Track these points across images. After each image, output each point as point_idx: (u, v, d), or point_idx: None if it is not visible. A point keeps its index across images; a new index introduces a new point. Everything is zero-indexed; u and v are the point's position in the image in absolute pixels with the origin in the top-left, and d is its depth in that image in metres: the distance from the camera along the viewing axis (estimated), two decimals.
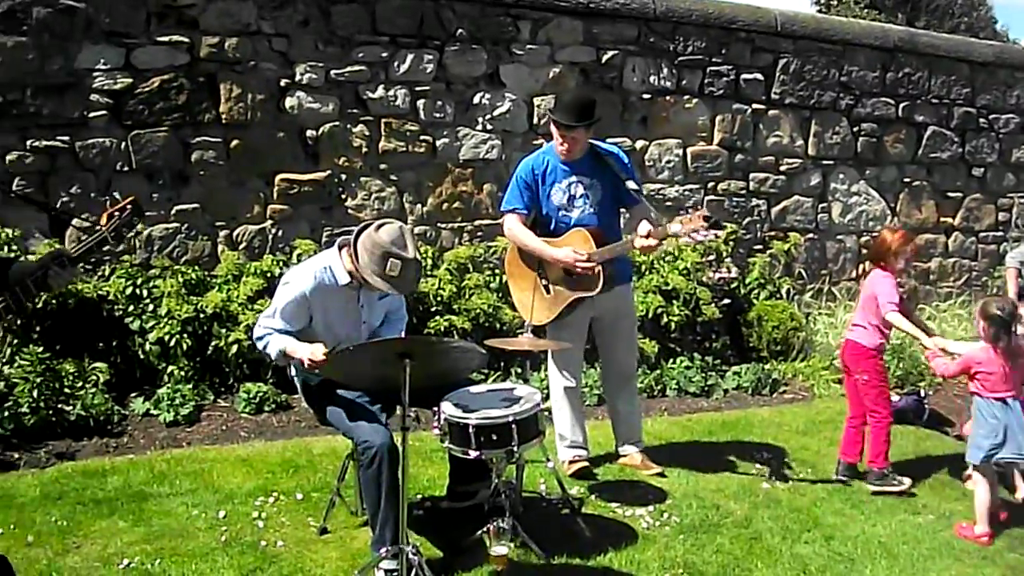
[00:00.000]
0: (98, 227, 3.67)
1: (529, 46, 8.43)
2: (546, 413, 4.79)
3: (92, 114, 7.55)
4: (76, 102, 7.53)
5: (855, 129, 9.74)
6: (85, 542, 4.99)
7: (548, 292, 5.66)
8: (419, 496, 5.48)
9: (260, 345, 4.71)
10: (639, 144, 8.81)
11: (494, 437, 4.40)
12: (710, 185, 9.12)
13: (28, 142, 7.44)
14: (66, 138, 7.52)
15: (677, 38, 8.83)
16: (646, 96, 8.82)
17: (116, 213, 3.67)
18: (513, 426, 4.40)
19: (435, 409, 4.61)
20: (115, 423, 6.80)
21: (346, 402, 4.67)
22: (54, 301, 7.10)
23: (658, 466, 5.90)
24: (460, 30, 8.24)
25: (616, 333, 5.87)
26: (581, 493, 5.59)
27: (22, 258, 6.80)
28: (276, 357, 4.69)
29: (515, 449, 4.41)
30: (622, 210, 5.75)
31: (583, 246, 5.46)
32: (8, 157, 7.40)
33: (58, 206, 7.48)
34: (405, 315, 5.17)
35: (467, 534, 4.73)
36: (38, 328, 7.01)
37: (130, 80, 7.60)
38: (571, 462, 5.89)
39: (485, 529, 4.51)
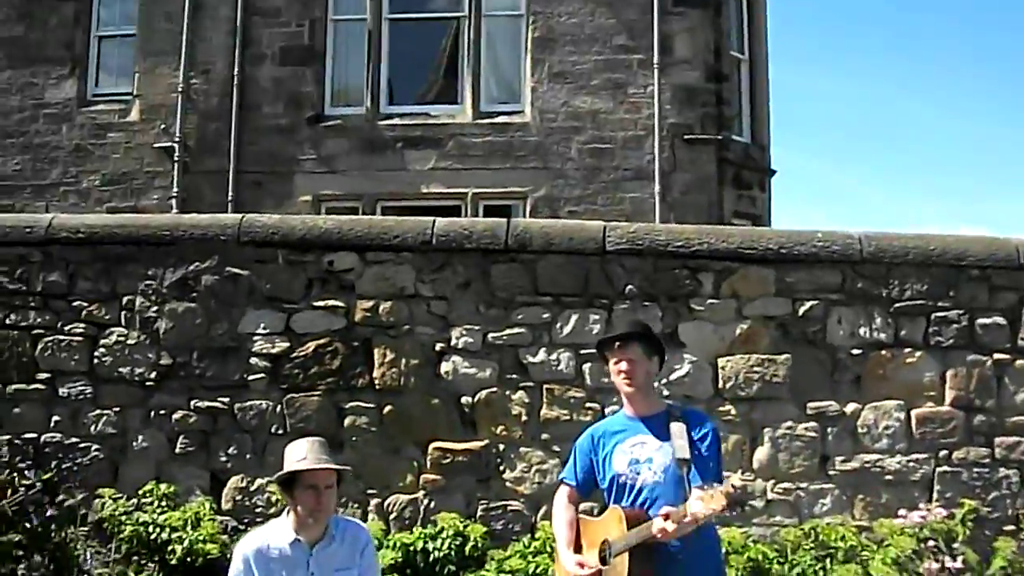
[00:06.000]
0: None
1: (711, 300, 7.60)
2: None
3: (251, 377, 7.69)
4: (237, 365, 7.70)
5: None
6: None
7: None
8: None
9: None
10: (849, 408, 7.60)
11: None
12: (942, 454, 7.67)
13: (192, 402, 7.72)
14: (226, 399, 7.72)
15: (891, 281, 7.66)
16: (857, 351, 7.64)
17: None
18: None
19: None
20: None
21: None
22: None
23: None
24: (630, 286, 7.59)
25: None
26: None
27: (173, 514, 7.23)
28: None
29: None
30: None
31: (615, 530, 4.61)
32: (175, 416, 7.71)
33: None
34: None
35: None
36: None
37: (287, 344, 7.68)
38: None
39: None
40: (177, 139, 14.67)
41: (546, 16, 14.70)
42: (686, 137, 14.34)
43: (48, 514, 7.10)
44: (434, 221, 7.74)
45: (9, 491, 7.04)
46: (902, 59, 50.95)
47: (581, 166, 14.38)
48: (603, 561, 4.66)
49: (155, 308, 7.75)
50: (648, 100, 14.32)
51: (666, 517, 4.34)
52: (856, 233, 7.74)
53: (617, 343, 4.84)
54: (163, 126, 14.78)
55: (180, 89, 14.75)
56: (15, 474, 7.23)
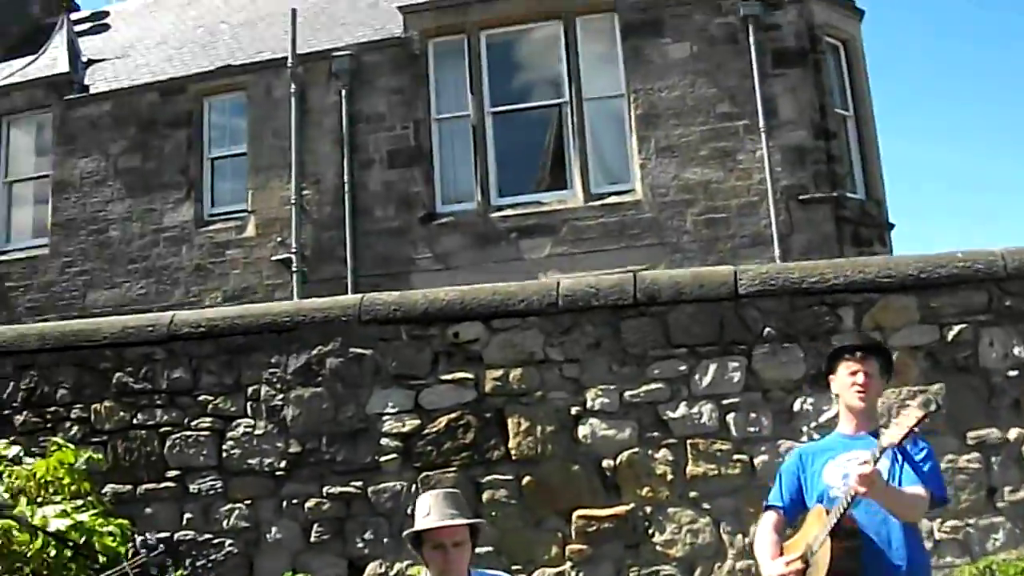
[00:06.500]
0: None
1: (855, 335, 7.19)
2: None
3: (383, 458, 7.50)
4: (368, 447, 7.52)
5: None
6: None
7: None
8: None
9: None
10: (1012, 434, 7.01)
11: None
12: None
13: (325, 489, 7.53)
14: (359, 483, 7.51)
15: None
16: (1013, 372, 7.10)
17: None
18: None
19: None
20: None
21: None
22: None
23: None
24: (768, 328, 7.22)
25: None
26: None
27: None
28: None
29: None
30: None
31: (816, 528, 4.38)
32: (307, 504, 7.53)
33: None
34: None
35: None
36: None
37: (418, 421, 7.48)
38: None
39: None
40: (293, 250, 14.86)
41: (646, 92, 14.61)
42: (800, 198, 13.98)
43: None
44: (558, 282, 7.54)
45: None
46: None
47: (697, 238, 14.11)
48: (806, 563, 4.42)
49: (281, 396, 7.66)
50: (758, 164, 14.03)
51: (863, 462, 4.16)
52: (998, 250, 7.30)
53: (859, 352, 4.70)
54: (279, 239, 15.04)
55: (292, 201, 14.99)
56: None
